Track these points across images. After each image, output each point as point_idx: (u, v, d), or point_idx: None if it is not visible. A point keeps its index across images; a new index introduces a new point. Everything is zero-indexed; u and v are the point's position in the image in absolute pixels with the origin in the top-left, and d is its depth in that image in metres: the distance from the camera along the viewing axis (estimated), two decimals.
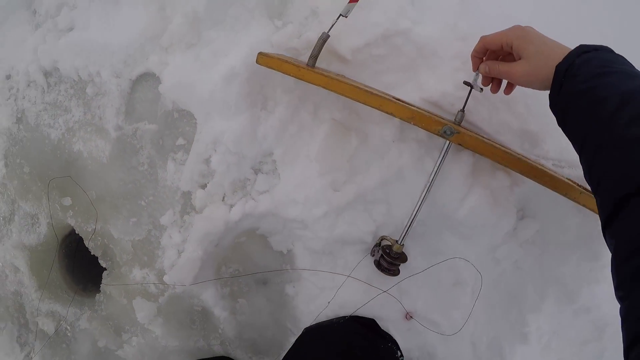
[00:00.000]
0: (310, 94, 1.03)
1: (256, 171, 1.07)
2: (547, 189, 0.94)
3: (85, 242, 1.28)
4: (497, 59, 0.83)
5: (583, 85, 0.64)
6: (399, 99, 0.96)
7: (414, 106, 0.93)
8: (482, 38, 0.82)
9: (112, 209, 1.21)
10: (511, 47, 0.76)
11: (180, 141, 1.10)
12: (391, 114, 0.91)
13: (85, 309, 1.38)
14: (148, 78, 1.13)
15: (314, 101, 1.04)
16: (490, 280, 1.17)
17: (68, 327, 1.40)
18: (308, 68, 0.93)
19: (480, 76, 0.86)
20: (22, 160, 1.30)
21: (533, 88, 0.76)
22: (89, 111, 1.20)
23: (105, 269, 1.30)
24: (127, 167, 1.17)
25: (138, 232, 1.19)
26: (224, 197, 1.08)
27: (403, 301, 1.15)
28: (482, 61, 0.85)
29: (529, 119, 0.97)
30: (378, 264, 1.06)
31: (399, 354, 1.12)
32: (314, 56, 0.95)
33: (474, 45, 0.84)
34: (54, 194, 1.28)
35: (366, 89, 0.92)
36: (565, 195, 0.91)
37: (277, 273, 1.19)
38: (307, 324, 1.18)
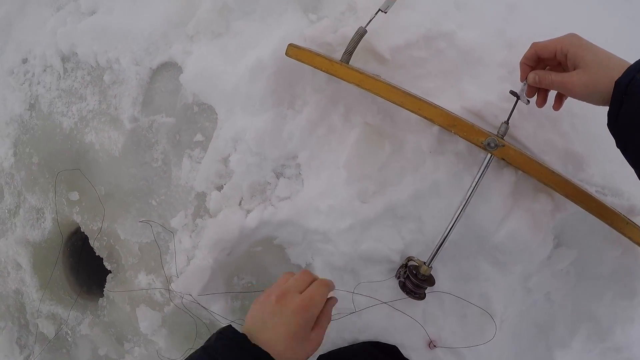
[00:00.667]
0: (342, 95, 0.91)
1: (278, 175, 0.95)
2: (586, 217, 0.84)
3: (91, 242, 1.16)
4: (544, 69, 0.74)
5: None
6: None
7: (455, 114, 0.83)
8: (534, 44, 0.74)
9: (121, 207, 1.09)
10: (565, 56, 0.68)
11: (199, 137, 0.99)
12: (430, 119, 0.81)
13: (88, 313, 1.25)
14: (170, 68, 1.02)
15: (347, 103, 0.92)
16: (519, 311, 1.06)
17: (69, 332, 1.28)
18: (342, 64, 0.83)
19: (527, 87, 0.76)
20: (32, 149, 1.20)
21: (590, 102, 0.68)
22: (105, 100, 1.09)
23: (110, 271, 1.18)
24: (139, 163, 1.05)
25: (146, 234, 1.07)
26: (241, 201, 0.95)
27: (427, 328, 1.03)
28: (532, 70, 0.75)
29: (575, 139, 0.88)
30: (403, 286, 0.94)
31: None
32: (349, 52, 0.85)
33: (523, 53, 0.76)
34: (62, 188, 1.17)
35: (404, 90, 0.81)
36: (610, 224, 0.82)
37: None
38: (322, 347, 1.05)
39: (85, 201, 1.15)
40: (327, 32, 0.90)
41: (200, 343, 1.19)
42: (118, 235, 1.11)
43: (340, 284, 1.01)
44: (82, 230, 1.17)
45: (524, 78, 0.77)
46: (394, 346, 1.02)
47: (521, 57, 0.76)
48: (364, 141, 0.91)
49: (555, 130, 0.88)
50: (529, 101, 0.79)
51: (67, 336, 1.28)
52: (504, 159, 0.81)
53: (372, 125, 0.91)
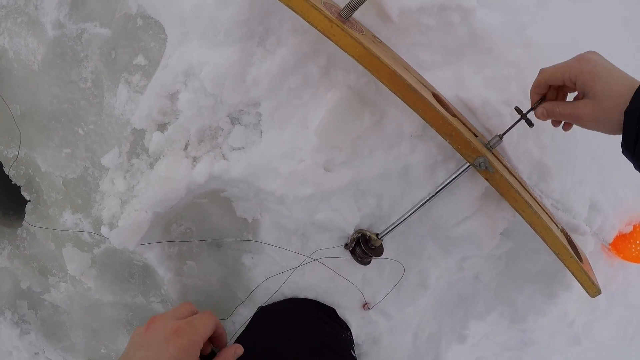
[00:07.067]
0: (327, 43, 0.60)
1: (233, 121, 0.63)
2: None
3: (6, 169, 0.77)
4: (559, 93, 0.58)
5: None
6: (439, 97, 0.61)
7: (455, 116, 0.61)
8: (542, 71, 0.56)
9: (41, 132, 0.71)
10: (575, 84, 0.53)
11: (140, 60, 0.62)
12: (428, 122, 0.58)
13: (5, 243, 0.88)
14: None
15: (329, 54, 0.61)
16: (447, 282, 0.95)
17: None
18: (341, 23, 0.52)
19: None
20: None
21: (602, 132, 0.54)
22: None
23: (29, 200, 0.80)
24: (64, 81, 0.66)
25: (72, 168, 0.71)
26: (186, 146, 0.63)
27: (365, 291, 0.86)
28: (540, 97, 0.58)
29: (550, 152, 0.73)
30: (353, 250, 0.78)
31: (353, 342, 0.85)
32: (353, 7, 0.54)
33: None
34: None
35: (409, 83, 0.55)
36: (557, 254, 0.69)
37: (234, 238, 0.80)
38: (261, 299, 0.83)
39: None
40: None
41: (133, 284, 0.92)
42: (38, 166, 0.73)
43: (287, 244, 0.77)
44: None
45: (533, 104, 0.59)
46: (333, 309, 0.83)
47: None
48: (343, 107, 0.62)
49: (537, 141, 0.71)
50: (533, 125, 0.59)
51: None
52: (486, 180, 0.61)
53: (354, 88, 0.62)
